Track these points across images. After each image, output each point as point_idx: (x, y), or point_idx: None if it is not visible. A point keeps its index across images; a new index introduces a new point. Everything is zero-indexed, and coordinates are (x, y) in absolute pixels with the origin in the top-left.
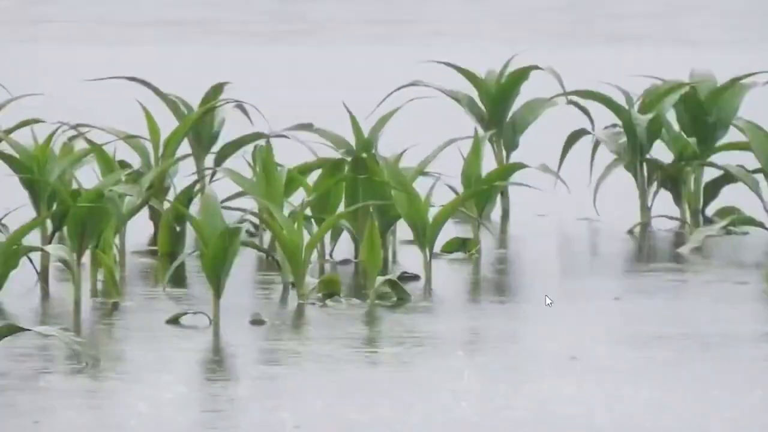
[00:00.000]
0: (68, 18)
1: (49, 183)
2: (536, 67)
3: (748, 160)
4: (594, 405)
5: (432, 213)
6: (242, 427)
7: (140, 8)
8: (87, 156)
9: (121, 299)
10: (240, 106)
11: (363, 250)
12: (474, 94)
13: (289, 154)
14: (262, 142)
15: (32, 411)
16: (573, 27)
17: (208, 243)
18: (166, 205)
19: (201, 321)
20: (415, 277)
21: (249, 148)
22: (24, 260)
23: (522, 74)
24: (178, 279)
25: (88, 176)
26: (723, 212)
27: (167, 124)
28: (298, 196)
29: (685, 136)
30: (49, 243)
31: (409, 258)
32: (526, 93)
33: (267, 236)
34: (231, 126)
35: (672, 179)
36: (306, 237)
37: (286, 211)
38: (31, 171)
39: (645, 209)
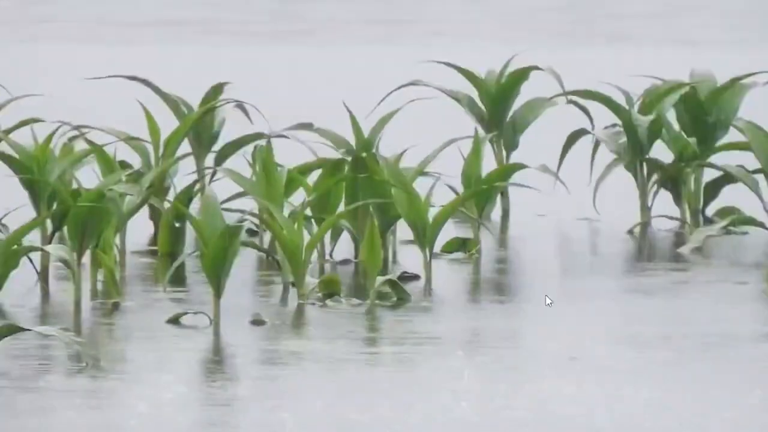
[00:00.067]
0: (68, 18)
1: (49, 183)
2: (536, 67)
3: (748, 160)
4: (594, 405)
5: (432, 213)
6: (242, 427)
7: (140, 8)
8: (87, 156)
9: (121, 299)
10: (240, 105)
11: (363, 250)
12: (474, 94)
13: (289, 154)
14: (262, 142)
15: (32, 411)
16: (573, 27)
17: (208, 243)
18: (167, 205)
19: (201, 321)
20: (415, 277)
21: (249, 148)
22: (24, 260)
23: (522, 74)
24: (179, 279)
25: (88, 176)
26: (723, 212)
27: (167, 124)
28: (298, 196)
29: (685, 136)
30: (49, 243)
31: (409, 258)
32: (526, 93)
33: (267, 236)
34: (231, 126)
35: (672, 179)
36: (306, 237)
37: (286, 211)
38: (31, 171)
39: (645, 209)
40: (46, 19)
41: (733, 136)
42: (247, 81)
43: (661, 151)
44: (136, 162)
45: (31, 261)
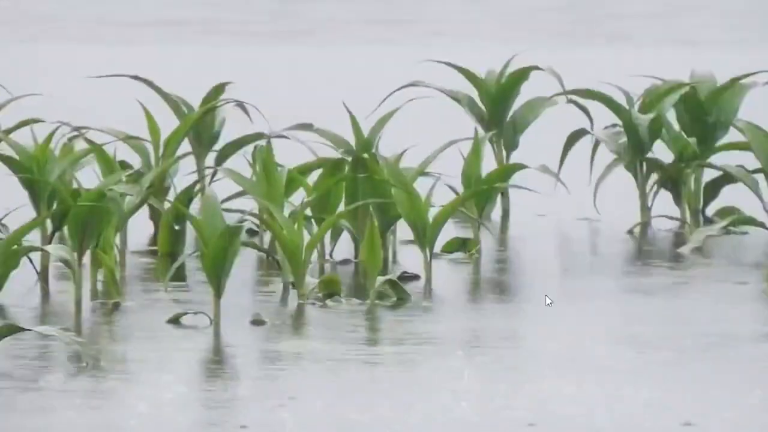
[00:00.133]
0: (68, 18)
1: (48, 183)
2: (536, 67)
3: (748, 160)
4: (594, 405)
5: (432, 213)
6: (242, 427)
7: (140, 8)
8: (87, 156)
9: (121, 299)
10: (241, 105)
11: (363, 250)
12: (474, 94)
13: (289, 154)
14: (262, 142)
15: (32, 411)
16: (573, 27)
17: (208, 243)
18: (167, 205)
19: (201, 321)
20: (416, 277)
21: (249, 148)
22: (24, 260)
23: (522, 74)
24: (179, 279)
25: (88, 177)
26: (723, 212)
27: (168, 124)
28: (299, 196)
29: (685, 136)
30: (49, 243)
31: (409, 258)
32: (526, 93)
33: (267, 236)
34: (231, 126)
35: (672, 179)
36: (306, 237)
37: (286, 211)
38: (30, 171)
39: (645, 209)
40: (46, 19)
41: (733, 136)
42: (247, 81)
43: (661, 151)
44: (136, 162)
45: (31, 261)
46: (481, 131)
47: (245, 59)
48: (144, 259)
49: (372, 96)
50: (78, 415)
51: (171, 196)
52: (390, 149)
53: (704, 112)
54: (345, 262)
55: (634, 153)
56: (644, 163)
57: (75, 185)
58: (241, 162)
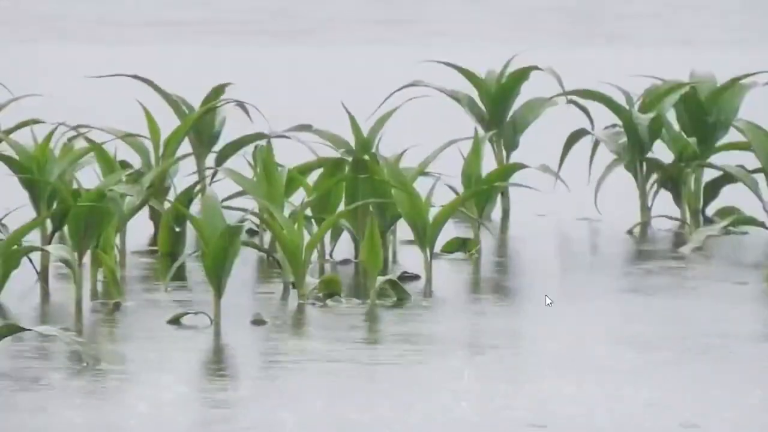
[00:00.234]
0: (68, 18)
1: (49, 183)
2: (536, 68)
3: (748, 160)
4: (594, 405)
5: (432, 213)
6: (242, 427)
7: (140, 8)
8: (87, 155)
9: (121, 299)
10: (241, 105)
11: (363, 250)
12: (474, 94)
13: (289, 154)
14: (262, 142)
15: (32, 411)
16: (573, 27)
17: (208, 243)
18: (167, 205)
19: (202, 321)
20: (416, 277)
21: (249, 148)
22: (24, 260)
23: (522, 74)
24: (179, 279)
25: (88, 177)
26: (723, 212)
27: (168, 124)
28: (299, 196)
29: (685, 136)
30: (49, 243)
31: (409, 258)
32: (526, 93)
33: (267, 236)
34: (232, 126)
35: (672, 179)
36: (306, 237)
37: (286, 211)
38: (30, 171)
39: (645, 209)
40: (46, 19)
41: (733, 136)
42: (247, 81)
43: (661, 151)
44: (136, 162)
45: (31, 261)
46: (481, 131)
47: (245, 59)
48: (144, 259)
49: (372, 96)
50: (78, 414)
51: (171, 196)
52: (390, 149)
53: (704, 112)
54: (345, 262)
55: (634, 153)
56: (644, 163)
57: (75, 185)
58: (241, 162)
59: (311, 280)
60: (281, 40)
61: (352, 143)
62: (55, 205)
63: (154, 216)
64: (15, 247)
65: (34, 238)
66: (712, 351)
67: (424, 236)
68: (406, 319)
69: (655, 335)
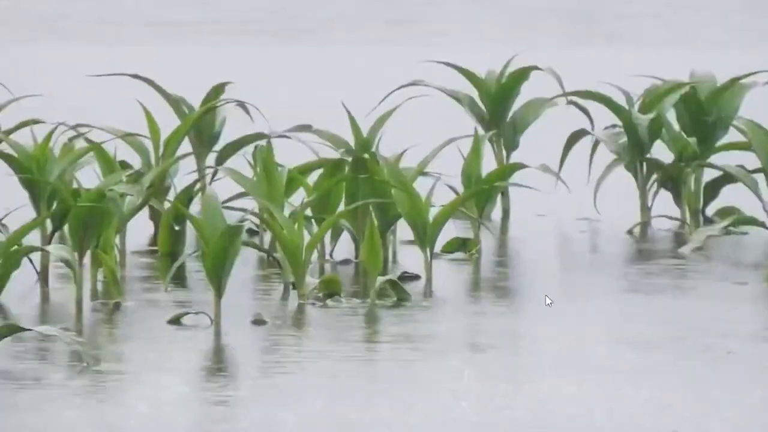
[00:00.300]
0: (68, 18)
1: (48, 183)
2: (536, 68)
3: (748, 160)
4: (594, 405)
5: (432, 213)
6: (242, 427)
7: (140, 8)
8: (87, 155)
9: (122, 299)
10: (241, 105)
11: (363, 250)
12: (474, 94)
13: (289, 154)
14: (262, 142)
15: (33, 411)
16: (573, 27)
17: (209, 243)
18: (167, 204)
19: (202, 321)
20: (416, 277)
21: (249, 148)
22: (24, 260)
23: (522, 74)
24: (179, 279)
25: (88, 177)
26: (723, 212)
27: (168, 124)
28: (299, 196)
29: (685, 136)
30: (49, 243)
31: (409, 258)
32: (526, 93)
33: (267, 236)
34: (232, 126)
35: (672, 179)
36: (306, 237)
37: (286, 211)
38: (30, 171)
39: (645, 209)
40: (46, 19)
41: (733, 136)
42: (247, 81)
43: (661, 151)
44: (136, 162)
45: (31, 261)
46: (481, 131)
47: (245, 59)
48: (144, 259)
49: (372, 96)
50: (78, 414)
51: (171, 196)
52: (390, 149)
53: (704, 112)
54: (345, 262)
55: (634, 153)
56: (644, 163)
57: (75, 185)
58: (241, 162)
59: (311, 280)
60: (281, 40)
61: (352, 143)
62: (55, 205)
63: (154, 216)
64: (15, 247)
65: (34, 238)
66: (712, 351)
67: (424, 236)
68: (406, 319)
69: (655, 335)
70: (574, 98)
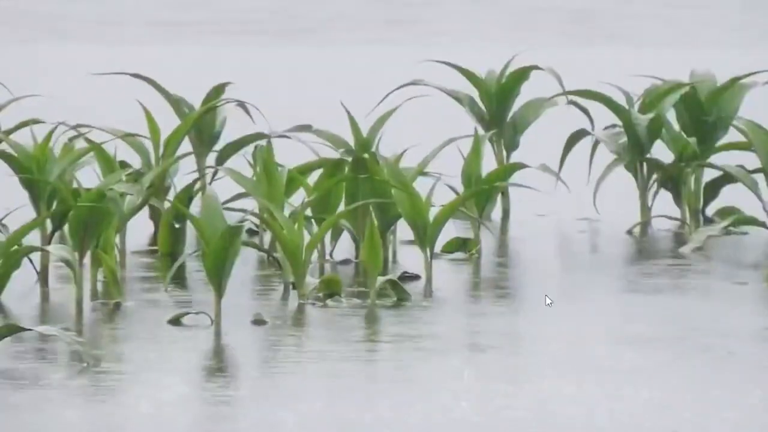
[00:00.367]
0: (68, 18)
1: (48, 183)
2: (536, 67)
3: (748, 160)
4: (594, 405)
5: (432, 213)
6: (242, 427)
7: (140, 8)
8: (87, 155)
9: (122, 299)
10: (242, 105)
11: (363, 250)
12: (474, 94)
13: (289, 154)
14: (262, 142)
15: (33, 410)
16: (573, 27)
17: (209, 243)
18: (167, 204)
19: (202, 321)
20: (416, 277)
21: (249, 148)
22: (24, 260)
23: (522, 74)
24: (179, 279)
25: (88, 177)
26: (723, 212)
27: (168, 124)
28: (299, 196)
29: (685, 136)
30: (49, 243)
31: (409, 258)
32: (526, 93)
33: (267, 236)
34: (232, 125)
35: (672, 179)
36: (306, 237)
37: (286, 211)
38: (30, 171)
39: (645, 209)
40: (46, 19)
41: (733, 136)
42: (248, 81)
43: (661, 151)
44: (136, 162)
45: (31, 261)
46: (481, 131)
47: (245, 59)
48: (144, 259)
49: (372, 96)
50: (78, 414)
51: (171, 195)
52: (390, 149)
53: (704, 112)
54: (345, 262)
55: (634, 153)
56: (644, 163)
57: (75, 185)
58: (241, 162)
59: (311, 280)
60: (281, 40)
61: (352, 143)
62: (55, 205)
63: (154, 215)
64: (15, 247)
65: (34, 238)
66: (712, 351)
67: (424, 236)
68: (407, 319)
69: (655, 335)
70: (574, 98)
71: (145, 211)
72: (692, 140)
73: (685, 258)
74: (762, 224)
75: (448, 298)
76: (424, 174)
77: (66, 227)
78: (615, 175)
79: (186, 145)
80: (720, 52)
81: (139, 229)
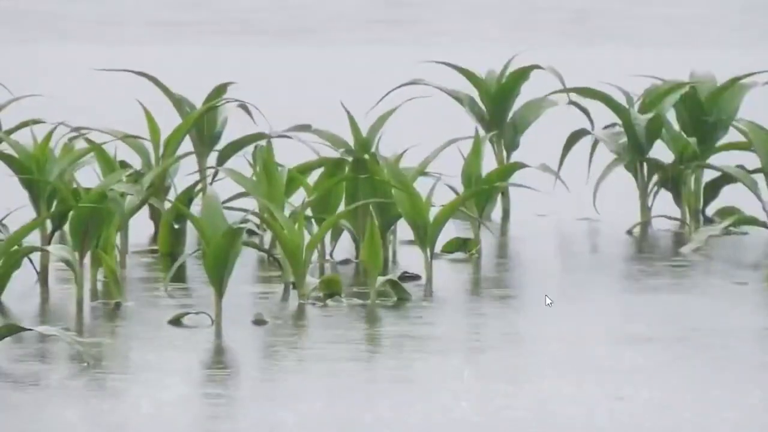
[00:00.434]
0: (68, 17)
1: (48, 183)
2: (537, 67)
3: (748, 160)
4: (594, 405)
5: (432, 213)
6: (242, 427)
7: (140, 8)
8: (87, 155)
9: (122, 299)
10: (243, 105)
11: (363, 250)
12: (474, 94)
13: (289, 154)
14: (263, 142)
15: (33, 410)
16: (573, 27)
17: (210, 243)
18: (167, 204)
19: (203, 321)
20: (416, 277)
21: (250, 148)
22: (24, 260)
23: (522, 74)
24: (180, 279)
25: (88, 177)
26: (723, 212)
27: (168, 124)
28: (299, 196)
29: (685, 136)
30: (49, 243)
31: (409, 258)
32: (526, 93)
33: (268, 236)
34: (233, 125)
35: (672, 179)
36: (306, 237)
37: (286, 211)
38: (30, 171)
39: (645, 209)
40: (46, 18)
41: (733, 136)
42: (248, 81)
43: (661, 151)
44: (136, 162)
45: (31, 261)
46: (481, 131)
47: (245, 59)
48: (144, 259)
49: (372, 96)
50: (78, 414)
51: (171, 195)
52: (391, 149)
53: (704, 112)
54: (345, 262)
55: (634, 153)
56: (644, 163)
57: (75, 185)
58: (241, 162)
59: (311, 280)
60: (281, 40)
61: (352, 143)
62: (55, 205)
63: (155, 215)
64: (15, 247)
65: (34, 238)
66: (712, 351)
67: (424, 236)
68: (407, 319)
69: (655, 335)
70: (575, 99)
71: (145, 211)
72: (692, 140)
73: (686, 258)
74: (762, 224)
75: (448, 298)
76: (425, 174)
77: (66, 227)
78: (615, 175)
79: (186, 145)
80: (720, 52)
81: (139, 229)
